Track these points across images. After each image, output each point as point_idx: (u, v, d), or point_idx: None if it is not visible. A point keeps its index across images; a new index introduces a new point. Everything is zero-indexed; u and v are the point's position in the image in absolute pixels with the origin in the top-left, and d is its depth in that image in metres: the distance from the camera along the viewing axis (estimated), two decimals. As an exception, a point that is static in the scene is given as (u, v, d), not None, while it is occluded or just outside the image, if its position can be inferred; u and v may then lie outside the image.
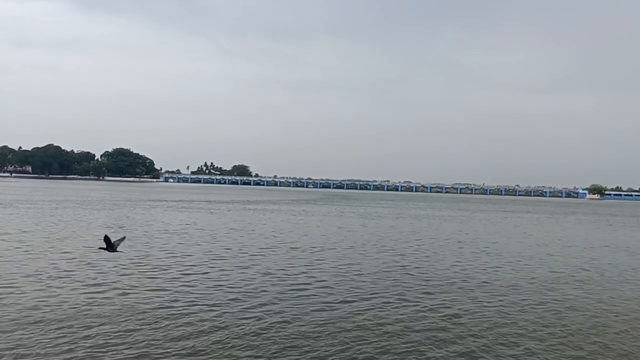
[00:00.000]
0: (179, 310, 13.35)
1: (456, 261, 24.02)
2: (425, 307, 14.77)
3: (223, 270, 19.27)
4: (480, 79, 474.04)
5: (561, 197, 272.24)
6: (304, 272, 19.45)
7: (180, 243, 26.49)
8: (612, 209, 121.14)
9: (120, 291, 15.06)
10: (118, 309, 13.16)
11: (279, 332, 11.97)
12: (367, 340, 11.67)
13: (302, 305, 14.34)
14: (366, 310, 14.15)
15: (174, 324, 12.17)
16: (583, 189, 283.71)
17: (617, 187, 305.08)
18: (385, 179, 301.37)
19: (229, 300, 14.62)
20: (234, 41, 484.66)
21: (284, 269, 19.89)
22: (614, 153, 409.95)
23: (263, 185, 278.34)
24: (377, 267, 21.44)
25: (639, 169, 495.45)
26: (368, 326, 12.67)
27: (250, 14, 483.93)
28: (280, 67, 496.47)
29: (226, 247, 25.77)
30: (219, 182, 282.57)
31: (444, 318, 13.68)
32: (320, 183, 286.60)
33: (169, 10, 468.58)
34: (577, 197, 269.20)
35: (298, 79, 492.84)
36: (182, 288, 15.89)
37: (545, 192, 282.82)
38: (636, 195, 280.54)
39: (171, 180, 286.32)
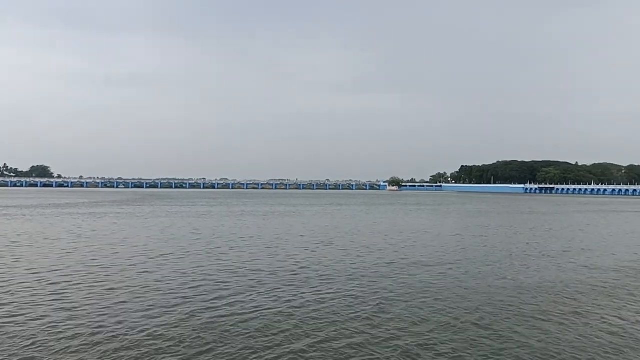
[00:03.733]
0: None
1: (317, 255, 25.22)
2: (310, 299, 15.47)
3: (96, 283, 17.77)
4: (295, 78, 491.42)
5: (366, 189, 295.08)
6: (179, 278, 18.82)
7: (20, 258, 23.60)
8: (414, 199, 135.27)
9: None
10: None
11: (154, 339, 11.66)
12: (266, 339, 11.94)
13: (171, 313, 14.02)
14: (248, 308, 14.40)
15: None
16: (384, 182, 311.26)
17: (412, 179, 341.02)
18: (201, 177, 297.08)
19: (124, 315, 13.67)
20: (32, 30, 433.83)
21: (158, 275, 19.04)
22: (409, 149, 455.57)
23: (67, 187, 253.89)
24: (241, 265, 21.57)
25: (429, 163, 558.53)
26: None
27: (52, 1, 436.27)
28: (89, 60, 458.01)
29: (80, 259, 23.61)
30: (15, 185, 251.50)
31: (321, 309, 14.46)
32: (132, 183, 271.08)
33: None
34: (379, 189, 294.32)
35: (109, 73, 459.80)
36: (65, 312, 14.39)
37: (352, 185, 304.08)
38: (428, 186, 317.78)
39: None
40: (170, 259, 23.57)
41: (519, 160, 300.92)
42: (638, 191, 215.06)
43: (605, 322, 13.65)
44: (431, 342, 11.84)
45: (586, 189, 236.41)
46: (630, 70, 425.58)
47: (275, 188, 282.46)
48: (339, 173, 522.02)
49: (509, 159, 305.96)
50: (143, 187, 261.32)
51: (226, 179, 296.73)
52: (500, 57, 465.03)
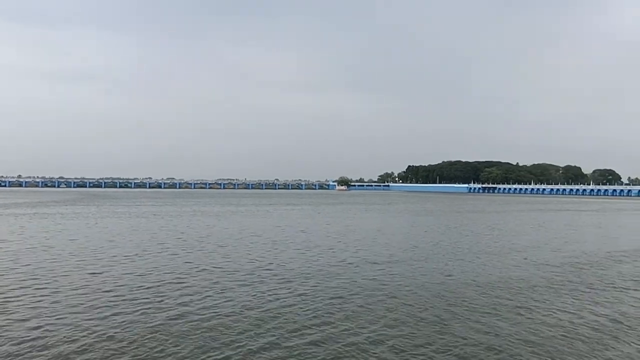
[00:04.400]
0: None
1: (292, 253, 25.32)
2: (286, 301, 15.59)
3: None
4: (245, 77, 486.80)
5: (315, 189, 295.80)
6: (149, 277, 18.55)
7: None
8: (363, 198, 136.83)
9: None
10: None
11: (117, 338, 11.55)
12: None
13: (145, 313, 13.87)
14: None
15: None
16: (333, 181, 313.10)
17: (360, 178, 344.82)
18: (147, 176, 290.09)
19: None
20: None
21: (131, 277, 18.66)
22: (357, 149, 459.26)
23: (5, 186, 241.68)
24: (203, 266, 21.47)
25: (377, 163, 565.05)
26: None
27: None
28: (32, 54, 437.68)
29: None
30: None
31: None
32: (75, 182, 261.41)
33: None
34: (328, 189, 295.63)
35: (54, 69, 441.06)
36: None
37: (301, 185, 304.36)
38: (376, 186, 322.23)
39: None
40: (123, 260, 23.02)
41: (463, 160, 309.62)
42: (574, 190, 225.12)
43: (554, 316, 14.29)
44: (391, 339, 12.09)
45: (526, 189, 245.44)
46: (570, 75, 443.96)
47: (224, 188, 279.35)
48: (287, 172, 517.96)
49: (453, 160, 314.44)
50: (86, 187, 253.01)
51: (173, 178, 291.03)
52: (445, 61, 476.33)
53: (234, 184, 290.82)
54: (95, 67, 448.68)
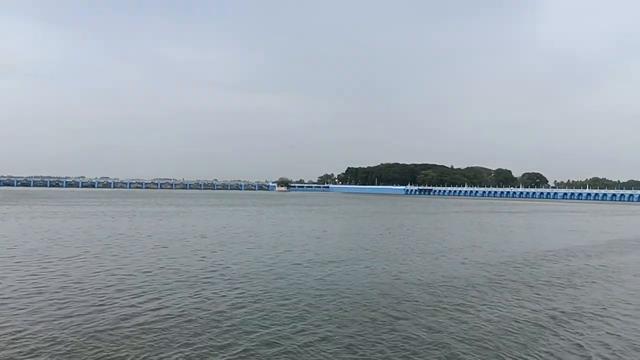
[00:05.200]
0: None
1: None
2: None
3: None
4: (182, 76, 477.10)
5: (254, 189, 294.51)
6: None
7: None
8: (304, 199, 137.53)
9: None
10: None
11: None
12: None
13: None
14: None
15: None
16: (273, 182, 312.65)
17: (301, 180, 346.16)
18: (79, 175, 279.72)
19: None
20: None
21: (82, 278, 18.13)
22: (297, 150, 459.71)
23: None
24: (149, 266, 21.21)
25: (317, 164, 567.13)
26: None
27: None
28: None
29: None
30: None
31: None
32: (1, 181, 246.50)
33: None
34: (268, 190, 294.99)
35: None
36: None
37: (241, 186, 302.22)
38: (316, 187, 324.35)
39: None
40: (61, 262, 22.19)
41: (401, 163, 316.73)
42: (505, 193, 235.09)
43: (495, 313, 15.06)
44: (341, 338, 12.40)
45: (461, 191, 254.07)
46: (501, 81, 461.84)
47: (161, 187, 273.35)
48: (226, 173, 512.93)
49: (391, 162, 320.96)
50: (13, 186, 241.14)
51: (107, 177, 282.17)
52: (382, 63, 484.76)
53: (172, 184, 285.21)
54: (19, 60, 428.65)
